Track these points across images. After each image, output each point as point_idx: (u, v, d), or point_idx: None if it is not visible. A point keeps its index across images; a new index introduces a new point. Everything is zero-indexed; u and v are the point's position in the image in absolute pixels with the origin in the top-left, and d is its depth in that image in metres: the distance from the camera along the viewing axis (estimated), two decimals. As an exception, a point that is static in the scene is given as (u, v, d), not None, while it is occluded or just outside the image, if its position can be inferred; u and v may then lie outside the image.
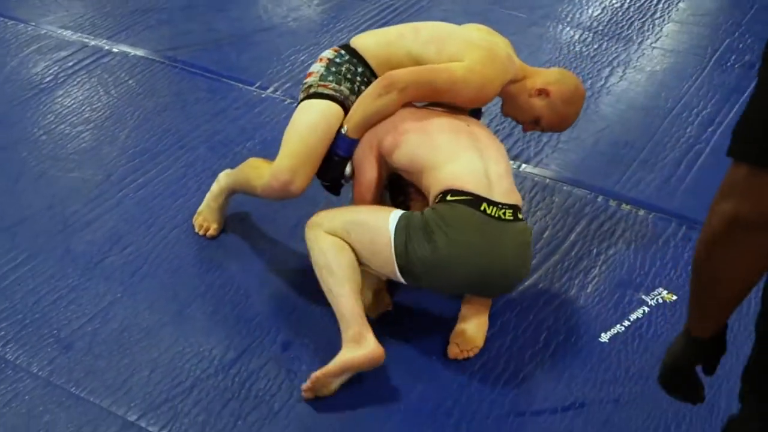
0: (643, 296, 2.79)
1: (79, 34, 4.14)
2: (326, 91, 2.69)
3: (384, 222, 2.47)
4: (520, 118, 2.82)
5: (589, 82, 3.88)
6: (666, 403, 2.44)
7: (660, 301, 2.78)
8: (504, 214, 2.46)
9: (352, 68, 2.74)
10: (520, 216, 2.51)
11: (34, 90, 3.74)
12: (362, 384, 2.48)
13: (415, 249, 2.41)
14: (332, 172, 2.71)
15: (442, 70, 2.62)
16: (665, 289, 2.82)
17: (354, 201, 2.76)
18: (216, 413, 2.40)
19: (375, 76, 2.73)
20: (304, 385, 2.42)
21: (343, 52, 2.78)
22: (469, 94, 2.66)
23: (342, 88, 2.70)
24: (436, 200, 2.50)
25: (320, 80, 2.73)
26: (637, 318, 2.71)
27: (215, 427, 2.36)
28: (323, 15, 4.41)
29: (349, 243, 2.50)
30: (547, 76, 2.75)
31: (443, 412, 2.41)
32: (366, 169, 2.69)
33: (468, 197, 2.45)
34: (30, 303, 2.71)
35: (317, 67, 2.77)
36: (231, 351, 2.58)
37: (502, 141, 3.45)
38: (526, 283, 2.82)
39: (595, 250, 2.97)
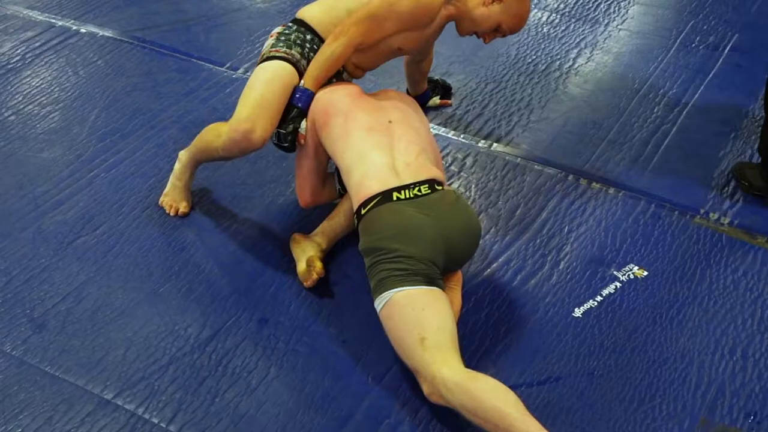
0: (615, 272, 2.83)
1: (46, 15, 4.10)
2: (277, 54, 2.79)
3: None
4: (480, 30, 2.89)
5: (558, 63, 3.90)
6: (639, 376, 2.49)
7: (631, 276, 2.81)
8: (420, 190, 2.52)
9: (301, 36, 2.84)
10: (438, 187, 2.57)
11: (1, 70, 3.69)
12: (338, 362, 2.49)
13: (380, 271, 2.42)
14: (292, 123, 2.74)
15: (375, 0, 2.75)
16: (636, 265, 2.86)
17: (296, 185, 2.88)
18: (193, 391, 2.40)
19: (323, 41, 2.82)
20: None
21: (290, 24, 2.90)
22: (408, 9, 2.74)
23: (293, 51, 2.80)
24: (357, 222, 2.57)
25: (270, 48, 2.83)
26: (609, 293, 2.75)
27: (192, 405, 2.36)
28: (292, -4, 4.40)
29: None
30: None
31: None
32: (304, 154, 2.81)
33: (377, 198, 2.50)
34: (2, 283, 2.69)
35: (269, 41, 2.87)
36: (207, 329, 2.57)
37: (472, 121, 3.50)
38: (500, 260, 2.85)
39: (566, 228, 3.00)
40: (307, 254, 2.75)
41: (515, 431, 2.11)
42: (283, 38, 2.83)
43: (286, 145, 2.77)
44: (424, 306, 2.34)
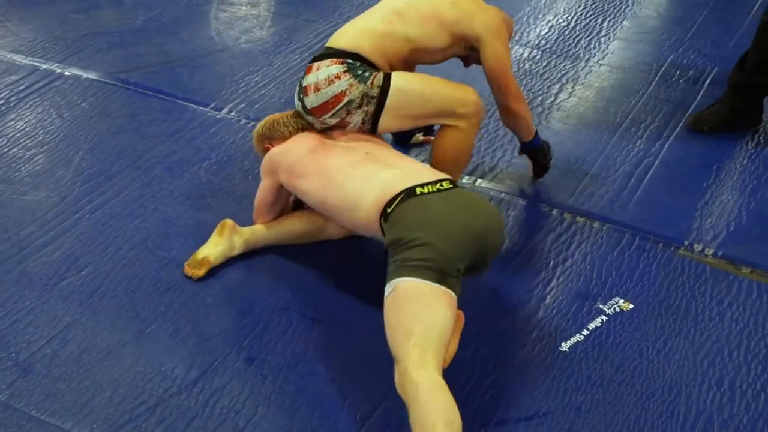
0: (601, 306, 2.84)
1: (30, 58, 4.11)
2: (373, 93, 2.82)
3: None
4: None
5: (540, 98, 3.94)
6: (627, 409, 2.49)
7: (617, 309, 2.82)
8: (442, 185, 2.57)
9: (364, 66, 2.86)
10: (456, 185, 2.62)
11: (-15, 113, 3.70)
12: (325, 400, 2.48)
13: (397, 259, 2.42)
14: None
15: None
16: (621, 298, 2.87)
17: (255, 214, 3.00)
18: (180, 432, 2.39)
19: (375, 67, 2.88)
20: None
21: (349, 60, 2.86)
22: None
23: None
24: (382, 223, 2.56)
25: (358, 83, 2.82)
26: (596, 327, 2.75)
27: (180, 446, 2.35)
28: (276, 36, 4.43)
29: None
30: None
31: (409, 425, 2.41)
32: (265, 190, 2.94)
33: (401, 195, 2.52)
34: (-13, 326, 2.68)
35: (344, 83, 2.83)
36: (194, 369, 2.56)
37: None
38: (486, 295, 2.85)
39: (552, 262, 3.01)
40: (214, 248, 2.87)
41: None
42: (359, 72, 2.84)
43: None
44: (424, 303, 2.33)
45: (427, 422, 2.15)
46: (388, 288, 2.38)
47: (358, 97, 2.80)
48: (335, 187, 2.68)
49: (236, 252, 2.92)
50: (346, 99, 2.81)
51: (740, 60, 3.68)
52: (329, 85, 2.82)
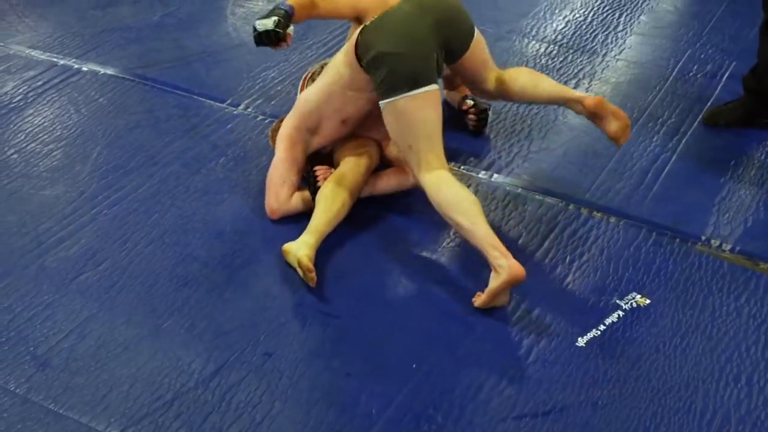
0: (618, 301, 2.83)
1: (48, 54, 4.13)
2: None
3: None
4: None
5: (557, 94, 3.92)
6: (644, 405, 2.48)
7: (634, 305, 2.81)
8: None
9: None
10: None
11: (4, 110, 3.72)
12: (342, 395, 2.49)
13: (376, 80, 2.83)
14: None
15: None
16: (638, 293, 2.86)
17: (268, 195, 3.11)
18: (197, 427, 2.39)
19: None
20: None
21: None
22: None
23: None
24: (358, 43, 2.88)
25: None
26: (613, 322, 2.75)
27: (197, 440, 2.36)
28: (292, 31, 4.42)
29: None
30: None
31: (426, 419, 2.42)
32: (281, 162, 3.11)
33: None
34: (5, 321, 2.69)
35: None
36: (210, 364, 2.57)
37: (472, 153, 3.51)
38: (502, 291, 2.85)
39: (568, 258, 3.01)
40: (296, 258, 2.82)
41: (470, 238, 2.72)
42: None
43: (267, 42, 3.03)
44: (408, 118, 2.80)
45: (445, 215, 2.77)
46: (381, 108, 2.85)
47: None
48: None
49: (312, 242, 2.88)
50: None
51: (753, 66, 3.66)
52: None
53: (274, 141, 3.18)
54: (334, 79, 3.00)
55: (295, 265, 2.83)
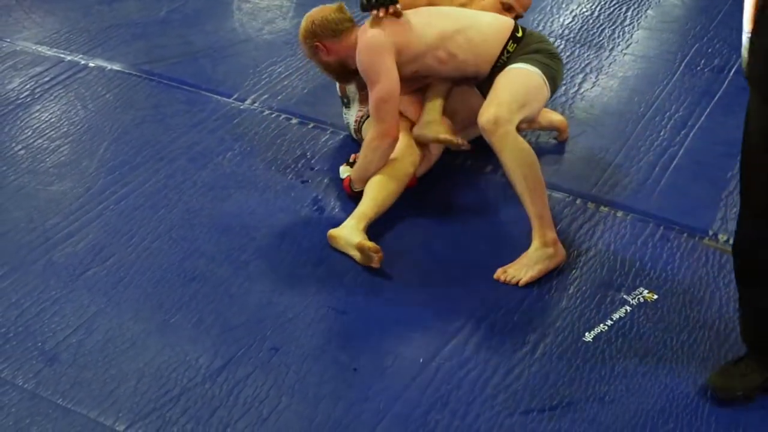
0: (625, 296, 2.82)
1: (55, 50, 4.14)
2: None
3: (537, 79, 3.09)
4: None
5: (563, 88, 3.92)
6: (651, 401, 2.48)
7: (641, 300, 2.81)
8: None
9: None
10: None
11: (11, 105, 3.72)
12: (349, 391, 2.49)
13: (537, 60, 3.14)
14: None
15: None
16: (646, 288, 2.85)
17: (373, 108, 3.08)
18: (204, 421, 2.39)
19: None
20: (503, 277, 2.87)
21: None
22: None
23: None
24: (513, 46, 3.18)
25: None
26: (620, 317, 2.74)
27: (204, 435, 2.36)
28: (298, 27, 4.41)
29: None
30: None
31: (434, 415, 2.42)
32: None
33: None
34: (13, 316, 2.70)
35: None
36: (218, 359, 2.58)
37: (479, 148, 3.49)
38: (509, 286, 2.85)
39: (575, 252, 3.00)
40: (352, 242, 2.87)
41: (523, 201, 2.90)
42: None
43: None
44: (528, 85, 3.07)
45: (513, 180, 2.93)
46: (521, 66, 3.09)
47: None
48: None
49: (362, 227, 2.96)
50: None
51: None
52: None
53: (307, 42, 3.25)
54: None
55: (347, 249, 2.91)
